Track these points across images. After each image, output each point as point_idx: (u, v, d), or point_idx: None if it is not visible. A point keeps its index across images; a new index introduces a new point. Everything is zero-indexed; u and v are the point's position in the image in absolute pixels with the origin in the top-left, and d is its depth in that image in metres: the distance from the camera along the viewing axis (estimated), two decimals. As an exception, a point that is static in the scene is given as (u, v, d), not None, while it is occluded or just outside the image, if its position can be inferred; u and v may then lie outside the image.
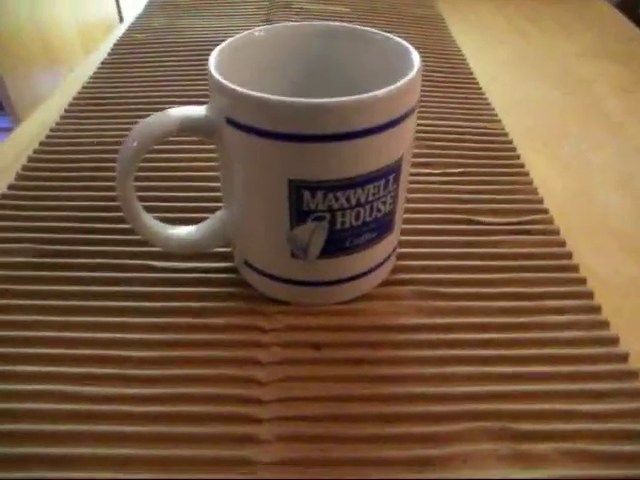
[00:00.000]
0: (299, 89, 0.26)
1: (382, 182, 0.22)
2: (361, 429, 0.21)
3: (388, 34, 0.24)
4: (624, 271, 0.29)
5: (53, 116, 0.41)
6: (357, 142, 0.20)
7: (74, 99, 0.42)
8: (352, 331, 0.25)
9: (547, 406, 0.22)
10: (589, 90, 0.46)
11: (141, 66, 0.46)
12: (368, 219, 0.23)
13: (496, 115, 0.41)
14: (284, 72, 0.26)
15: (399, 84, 0.20)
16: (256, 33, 0.25)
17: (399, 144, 0.22)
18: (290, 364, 0.23)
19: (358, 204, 0.22)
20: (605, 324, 0.25)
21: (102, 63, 0.47)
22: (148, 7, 0.58)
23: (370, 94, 0.19)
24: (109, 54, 0.49)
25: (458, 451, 0.20)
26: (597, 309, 0.26)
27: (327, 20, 0.53)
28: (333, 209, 0.22)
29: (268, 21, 0.54)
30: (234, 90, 0.20)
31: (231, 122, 0.21)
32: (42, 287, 0.27)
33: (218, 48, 0.23)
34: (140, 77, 0.45)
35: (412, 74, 0.21)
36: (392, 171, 0.22)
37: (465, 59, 0.49)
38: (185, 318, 0.25)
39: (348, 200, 0.22)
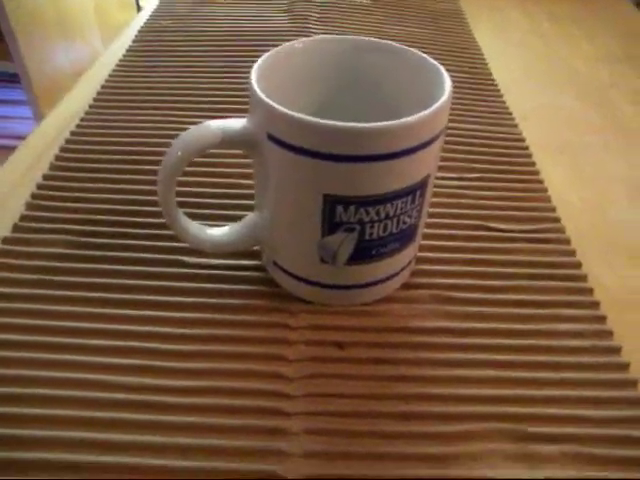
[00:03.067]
0: (334, 100, 0.28)
1: (409, 198, 0.23)
2: (381, 425, 0.23)
3: (423, 54, 0.25)
4: (631, 283, 0.30)
5: (81, 105, 0.42)
6: (389, 163, 0.21)
7: (102, 87, 0.43)
8: (373, 332, 0.26)
9: (552, 410, 0.24)
10: (607, 97, 0.47)
11: (166, 55, 0.47)
12: (394, 231, 0.24)
13: (514, 120, 0.42)
14: (321, 83, 0.27)
15: (430, 111, 0.21)
16: (295, 45, 0.26)
17: (427, 164, 0.23)
18: (315, 361, 0.25)
19: (386, 217, 0.23)
20: (609, 334, 0.27)
21: (127, 50, 0.48)
22: (171, -8, 0.59)
23: (402, 121, 0.21)
24: (134, 41, 0.50)
25: (469, 450, 0.22)
26: (602, 319, 0.28)
27: (346, 11, 0.54)
28: (363, 221, 0.23)
29: (290, 11, 0.55)
30: (277, 109, 0.21)
31: (272, 138, 0.22)
32: (75, 279, 0.28)
33: (258, 62, 0.24)
34: (165, 66, 0.46)
35: (443, 100, 0.22)
36: (419, 187, 0.23)
37: (485, 60, 0.49)
38: (214, 314, 0.27)
39: (377, 214, 0.23)
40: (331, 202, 0.22)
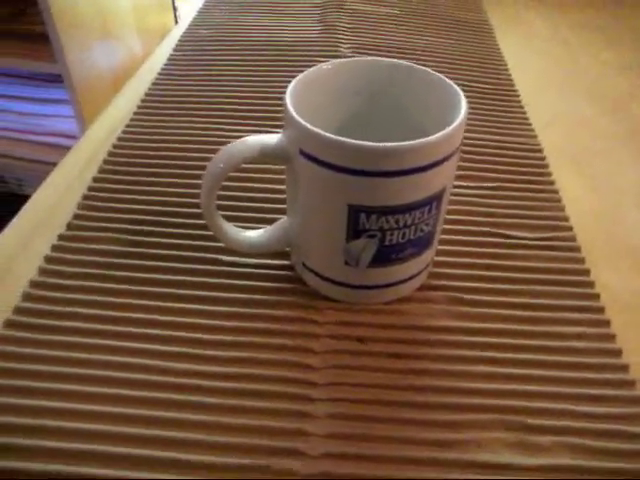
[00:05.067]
0: (359, 116, 0.30)
1: (427, 208, 0.26)
2: (397, 413, 0.26)
3: (442, 76, 0.28)
4: (637, 289, 0.32)
5: (126, 112, 0.45)
6: (407, 178, 0.24)
7: (145, 95, 0.47)
8: (392, 329, 0.29)
9: (553, 405, 0.26)
10: (627, 108, 0.48)
11: (205, 63, 0.50)
12: (412, 237, 0.27)
13: (533, 130, 0.44)
14: (349, 102, 0.30)
15: (446, 131, 0.24)
16: (324, 67, 0.29)
17: (442, 178, 0.25)
18: (339, 354, 0.28)
19: (405, 226, 0.26)
20: (611, 337, 0.29)
21: (168, 59, 0.52)
22: (209, 1, 0.62)
23: (421, 141, 0.23)
24: (175, 50, 0.53)
25: (474, 437, 0.25)
26: (606, 323, 0.30)
27: (376, 21, 0.56)
28: (384, 229, 0.26)
29: (322, 21, 0.57)
30: (309, 129, 0.24)
31: (303, 154, 0.25)
32: (122, 273, 0.31)
33: (293, 83, 0.27)
34: (204, 74, 0.49)
35: (458, 121, 0.25)
36: (435, 199, 0.26)
37: (508, 70, 0.51)
38: (248, 309, 0.30)
39: (397, 222, 0.26)
40: (355, 211, 0.25)
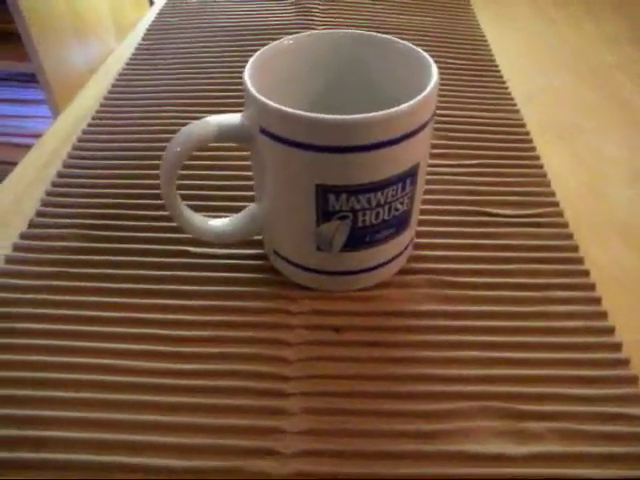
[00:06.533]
0: (327, 92, 0.28)
1: (400, 185, 0.24)
2: (375, 405, 0.24)
3: (409, 43, 0.26)
4: (627, 264, 0.31)
5: (92, 104, 0.43)
6: (377, 152, 0.22)
7: (112, 86, 0.45)
8: (369, 316, 0.27)
9: (543, 389, 0.24)
10: (611, 81, 0.47)
11: (174, 52, 0.48)
12: (387, 217, 0.25)
13: (515, 105, 0.42)
14: (314, 77, 0.28)
15: (415, 101, 0.22)
16: (285, 42, 0.27)
17: (415, 152, 0.24)
18: (314, 345, 0.26)
19: (378, 205, 0.24)
20: (603, 315, 0.27)
21: (136, 49, 0.50)
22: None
23: (388, 111, 0.22)
24: (143, 39, 0.51)
25: (461, 427, 0.23)
26: (597, 300, 0.28)
27: (353, 1, 0.54)
28: (355, 209, 0.24)
29: (296, 4, 0.55)
30: (268, 104, 0.22)
31: (265, 132, 0.23)
32: (88, 270, 0.30)
33: (251, 60, 0.25)
34: (173, 63, 0.47)
35: (429, 89, 0.23)
36: (409, 175, 0.24)
37: (489, 46, 0.50)
38: (219, 301, 0.28)
39: (369, 202, 0.24)
40: (323, 191, 0.23)
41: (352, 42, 0.28)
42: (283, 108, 0.22)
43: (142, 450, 0.22)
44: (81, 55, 0.99)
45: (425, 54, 0.25)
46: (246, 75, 0.24)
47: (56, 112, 0.96)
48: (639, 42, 0.52)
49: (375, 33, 0.27)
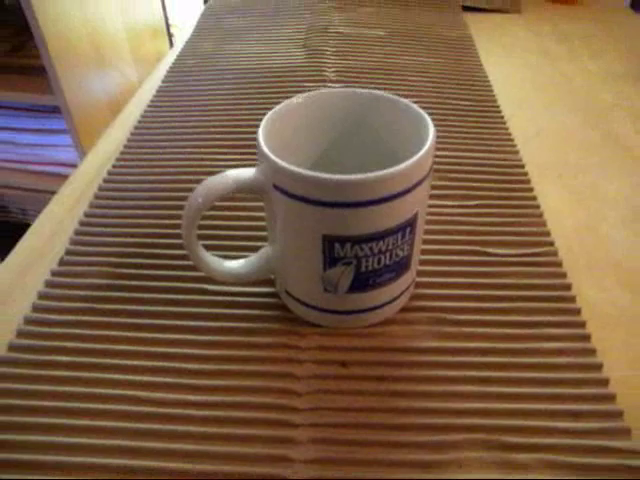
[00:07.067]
0: (334, 146, 0.31)
1: (399, 234, 0.27)
2: (379, 436, 0.26)
3: (409, 102, 0.29)
4: (619, 303, 0.33)
5: (117, 145, 0.46)
6: (378, 207, 0.25)
7: (135, 128, 0.48)
8: (374, 351, 0.30)
9: (533, 423, 0.26)
10: (609, 118, 0.49)
11: (192, 94, 0.52)
12: (388, 263, 0.27)
13: (515, 146, 0.44)
14: (322, 132, 0.31)
15: (414, 159, 0.25)
16: (295, 100, 0.30)
17: (414, 205, 0.26)
18: (322, 379, 0.28)
19: (379, 252, 0.27)
20: (592, 352, 0.29)
21: (157, 91, 0.53)
22: (196, 32, 0.63)
23: (388, 170, 0.24)
24: (163, 81, 0.54)
25: (455, 457, 0.25)
26: (587, 338, 0.30)
27: (361, 43, 0.57)
28: (359, 256, 0.26)
29: (306, 46, 0.58)
30: (279, 164, 0.25)
31: (277, 188, 0.26)
32: (113, 306, 0.32)
33: (265, 119, 0.28)
34: (191, 105, 0.50)
35: (426, 148, 0.25)
36: (408, 225, 0.27)
37: (491, 86, 0.52)
38: (234, 337, 0.30)
39: (371, 250, 0.26)
40: (329, 241, 0.26)
41: (358, 100, 0.30)
42: (293, 168, 0.24)
43: (158, 474, 0.25)
44: (100, 85, 1.04)
45: (421, 111, 0.28)
46: (260, 134, 0.27)
47: (77, 141, 1.00)
48: (637, 79, 0.54)
49: (379, 91, 0.30)
